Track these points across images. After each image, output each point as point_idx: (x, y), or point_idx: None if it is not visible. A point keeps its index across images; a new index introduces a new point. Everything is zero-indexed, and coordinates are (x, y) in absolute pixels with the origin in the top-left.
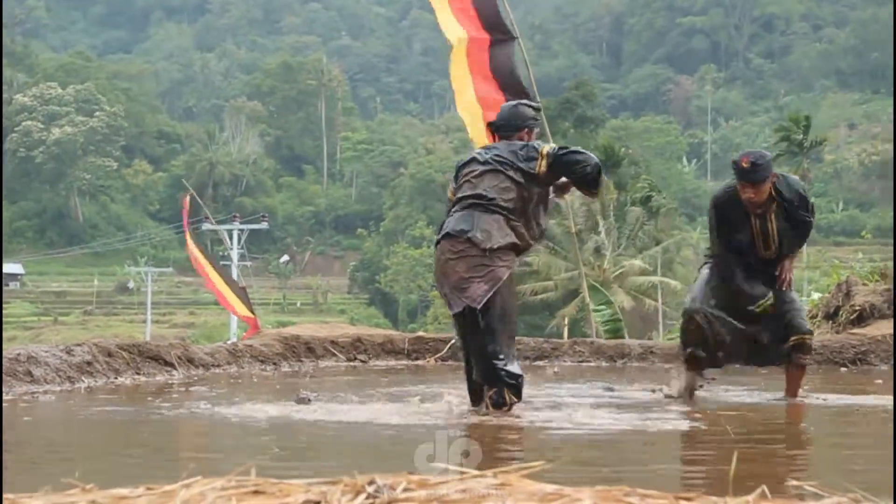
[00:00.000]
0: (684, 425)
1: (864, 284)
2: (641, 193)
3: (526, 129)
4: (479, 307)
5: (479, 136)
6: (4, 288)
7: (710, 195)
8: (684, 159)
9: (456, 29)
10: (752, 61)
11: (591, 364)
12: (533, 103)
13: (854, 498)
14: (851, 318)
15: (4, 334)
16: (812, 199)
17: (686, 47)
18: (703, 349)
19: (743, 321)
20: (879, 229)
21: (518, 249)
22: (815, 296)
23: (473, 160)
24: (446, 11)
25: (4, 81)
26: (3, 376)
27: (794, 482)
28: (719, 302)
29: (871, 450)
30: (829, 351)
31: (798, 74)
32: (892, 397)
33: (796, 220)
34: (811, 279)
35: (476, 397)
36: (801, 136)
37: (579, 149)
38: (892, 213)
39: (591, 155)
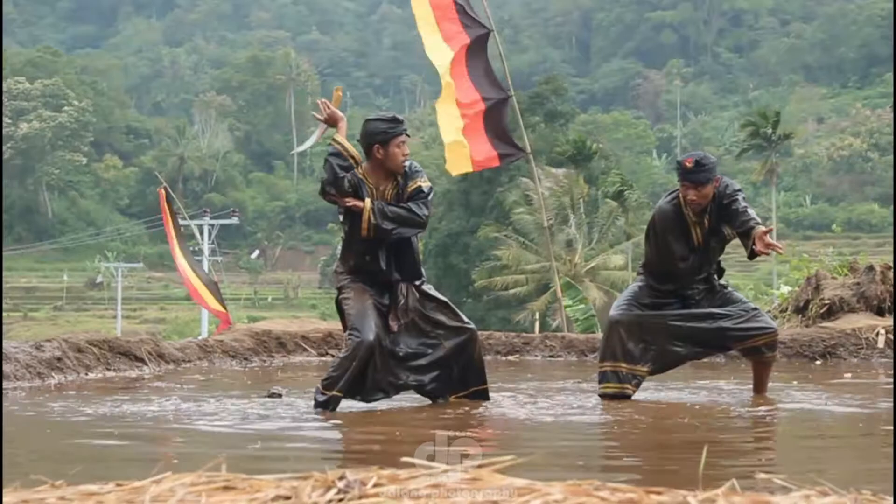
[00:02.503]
0: (652, 420)
1: (834, 278)
2: (613, 188)
3: (376, 145)
4: None
5: (454, 135)
6: None
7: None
8: (654, 153)
9: (444, 53)
10: (720, 56)
11: (562, 359)
12: (385, 115)
13: (822, 490)
14: (821, 311)
15: None
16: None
17: (655, 42)
18: (624, 359)
19: (676, 328)
20: (848, 223)
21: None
22: (785, 289)
23: None
24: (435, 35)
25: None
26: None
27: (763, 475)
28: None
29: (842, 448)
30: (799, 344)
31: (766, 69)
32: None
33: (729, 216)
34: (780, 273)
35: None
36: (770, 130)
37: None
38: (860, 207)
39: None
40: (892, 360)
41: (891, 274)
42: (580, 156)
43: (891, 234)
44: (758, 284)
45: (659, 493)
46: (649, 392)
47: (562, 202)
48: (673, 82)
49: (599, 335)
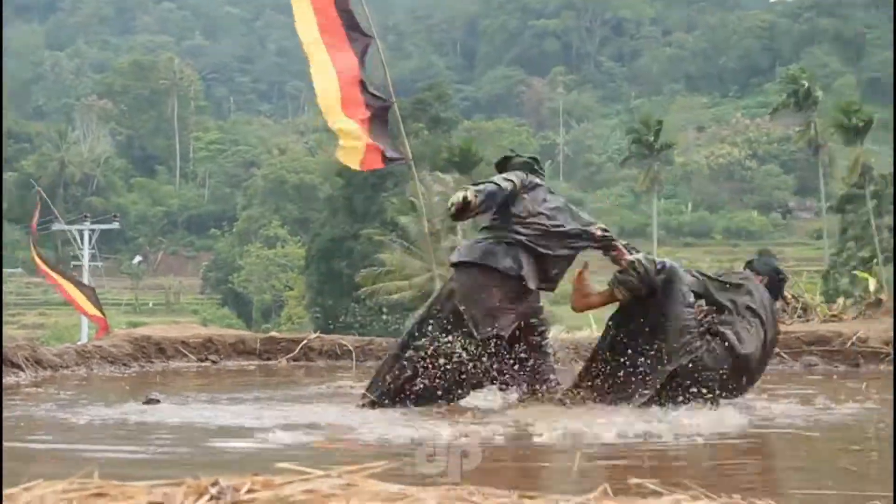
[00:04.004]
0: (526, 426)
1: None
2: None
3: None
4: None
5: (338, 121)
6: None
7: (561, 195)
8: None
9: (311, 30)
10: (603, 64)
11: None
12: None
13: (694, 495)
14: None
15: None
16: None
17: (538, 49)
18: None
19: None
20: (728, 231)
21: None
22: None
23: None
24: (307, 11)
25: None
26: None
27: (636, 480)
28: None
29: (748, 456)
30: None
31: (648, 78)
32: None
33: None
34: None
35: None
36: (652, 138)
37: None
38: (740, 215)
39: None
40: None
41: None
42: (466, 162)
43: (769, 241)
44: None
45: (532, 498)
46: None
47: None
48: (556, 90)
49: None
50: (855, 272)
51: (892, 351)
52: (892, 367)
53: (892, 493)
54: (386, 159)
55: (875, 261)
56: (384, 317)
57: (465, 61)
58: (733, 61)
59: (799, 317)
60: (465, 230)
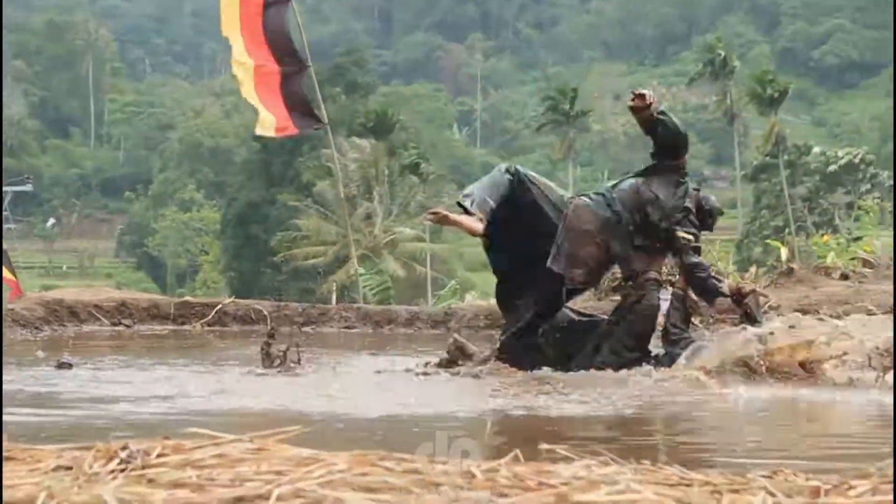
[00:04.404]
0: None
1: None
2: (411, 160)
3: None
4: None
5: (251, 95)
6: None
7: (480, 163)
8: (454, 127)
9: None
10: (521, 31)
11: (357, 330)
12: None
13: (604, 461)
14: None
15: None
16: None
17: (456, 15)
18: None
19: None
20: None
21: None
22: None
23: None
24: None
25: None
26: None
27: (546, 445)
28: None
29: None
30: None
31: (566, 45)
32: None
33: None
34: None
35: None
36: (569, 106)
37: None
38: None
39: None
40: None
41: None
42: (382, 127)
43: None
44: None
45: (444, 463)
46: None
47: (367, 174)
48: (474, 56)
49: (395, 306)
50: (767, 241)
51: None
52: None
53: None
54: (300, 127)
55: (787, 230)
56: (300, 283)
57: (383, 26)
58: (650, 29)
59: None
60: (382, 196)
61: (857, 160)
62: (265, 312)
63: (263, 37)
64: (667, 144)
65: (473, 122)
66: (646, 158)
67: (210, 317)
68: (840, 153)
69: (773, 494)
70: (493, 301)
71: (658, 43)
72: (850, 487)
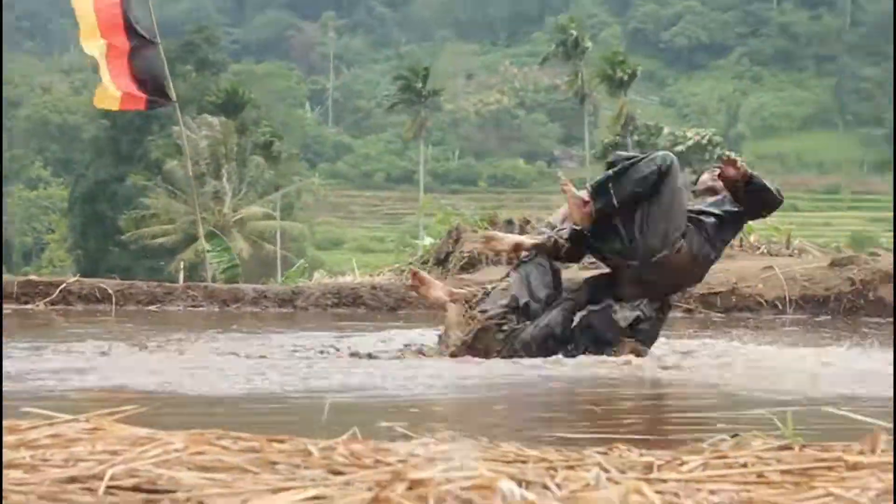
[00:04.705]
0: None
1: (474, 231)
2: (263, 138)
3: None
4: None
5: (103, 71)
6: None
7: (332, 142)
8: (306, 106)
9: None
10: (374, 10)
11: (204, 308)
12: None
13: (441, 438)
14: (461, 263)
15: None
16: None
17: None
18: None
19: None
20: (493, 178)
21: None
22: (428, 241)
23: None
24: None
25: None
26: None
27: (385, 423)
28: None
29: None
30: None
31: (419, 23)
32: None
33: None
34: (426, 225)
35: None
36: (421, 85)
37: None
38: (506, 163)
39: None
40: None
41: (528, 227)
42: (232, 105)
43: (535, 189)
44: (403, 236)
45: (281, 441)
46: None
47: (216, 151)
48: (327, 34)
49: (242, 285)
50: None
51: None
52: None
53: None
54: (149, 102)
55: None
56: (148, 261)
57: (234, 4)
58: (503, 9)
59: None
60: (230, 174)
61: (704, 141)
62: (110, 291)
63: (119, 14)
64: (761, 212)
65: (325, 100)
66: (499, 138)
67: (54, 296)
68: (689, 133)
69: (606, 470)
70: (341, 279)
71: (511, 23)
72: (683, 463)
